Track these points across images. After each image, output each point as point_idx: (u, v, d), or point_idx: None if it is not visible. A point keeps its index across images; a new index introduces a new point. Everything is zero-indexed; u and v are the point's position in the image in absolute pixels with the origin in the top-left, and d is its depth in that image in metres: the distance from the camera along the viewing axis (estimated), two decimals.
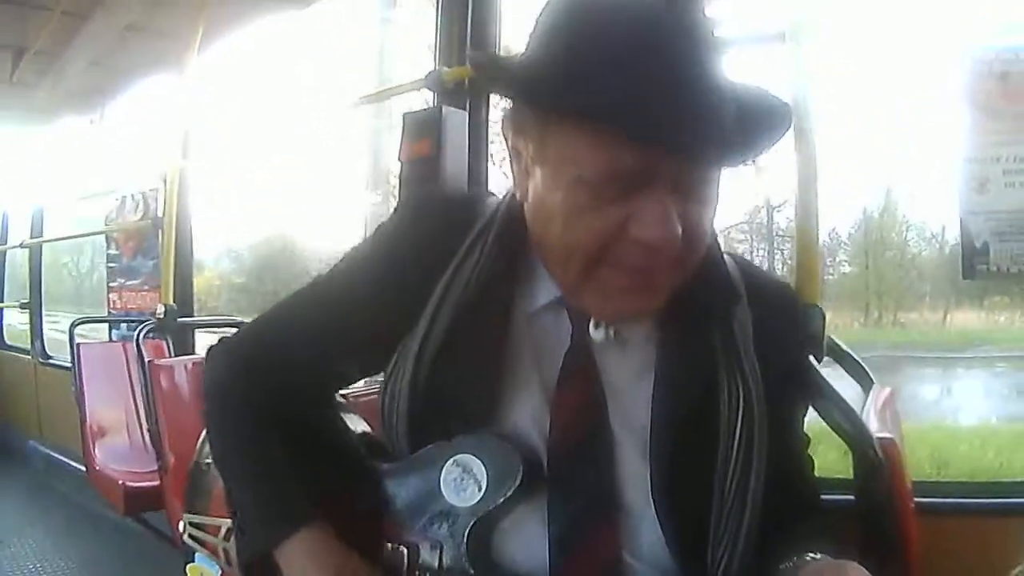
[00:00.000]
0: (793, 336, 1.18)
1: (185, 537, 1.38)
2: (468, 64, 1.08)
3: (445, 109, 2.68)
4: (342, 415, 1.25)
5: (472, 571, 0.99)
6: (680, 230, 0.91)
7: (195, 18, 3.48)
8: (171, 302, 3.50)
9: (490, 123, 2.92)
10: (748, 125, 0.92)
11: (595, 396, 1.04)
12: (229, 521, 1.22)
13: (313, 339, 1.12)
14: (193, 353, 3.71)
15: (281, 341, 1.15)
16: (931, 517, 1.47)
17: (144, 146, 5.45)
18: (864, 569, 0.88)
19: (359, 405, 1.39)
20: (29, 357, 5.63)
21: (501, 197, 1.11)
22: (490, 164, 2.98)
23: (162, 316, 3.39)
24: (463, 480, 1.00)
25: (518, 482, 0.98)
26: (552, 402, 1.03)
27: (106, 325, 4.86)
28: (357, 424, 1.25)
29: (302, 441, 1.13)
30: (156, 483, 3.14)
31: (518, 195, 1.03)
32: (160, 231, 4.11)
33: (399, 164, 2.81)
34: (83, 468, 3.59)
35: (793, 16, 1.69)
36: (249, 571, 1.13)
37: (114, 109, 5.41)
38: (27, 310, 5.82)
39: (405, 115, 2.80)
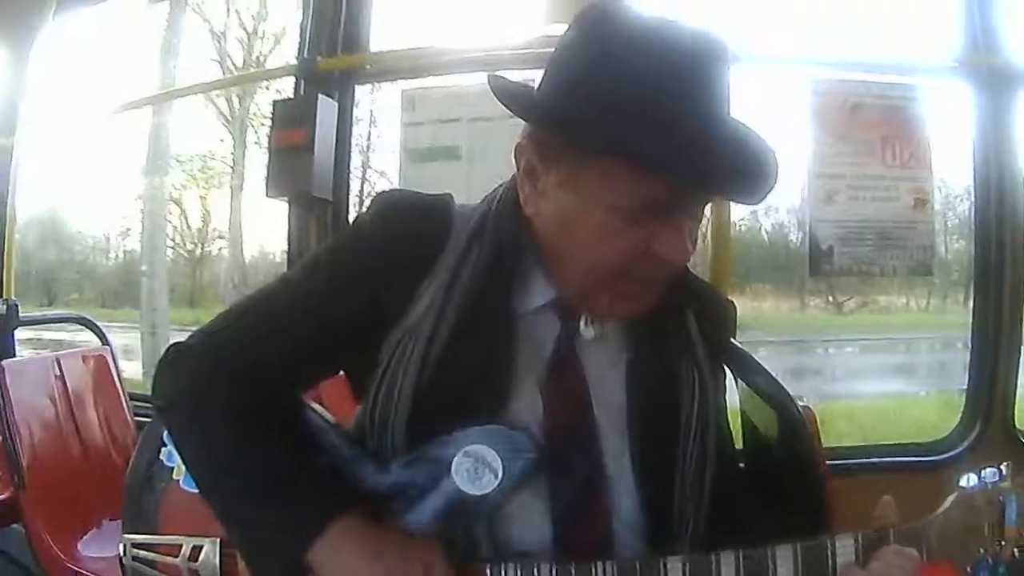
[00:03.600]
0: (723, 325, 1.34)
1: (127, 561, 1.26)
2: (491, 90, 1.13)
3: (320, 99, 2.67)
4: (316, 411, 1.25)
5: (489, 554, 1.08)
6: (692, 248, 1.07)
7: None
8: (12, 296, 3.26)
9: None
10: (753, 165, 1.07)
11: (581, 386, 1.17)
12: (193, 539, 1.20)
13: (289, 336, 1.15)
14: (13, 355, 3.32)
15: (255, 337, 1.16)
16: None
17: None
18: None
19: None
20: None
21: (482, 205, 1.20)
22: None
23: (2, 313, 3.12)
24: (477, 470, 1.08)
25: (531, 468, 1.08)
26: (544, 394, 1.14)
27: None
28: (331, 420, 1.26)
29: (289, 439, 1.13)
30: (4, 496, 2.84)
31: (528, 211, 1.13)
32: None
33: (268, 153, 2.78)
34: None
35: None
36: None
37: None
38: None
39: (276, 102, 2.77)
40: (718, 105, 1.03)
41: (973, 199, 2.66)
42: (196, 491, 1.15)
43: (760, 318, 16.26)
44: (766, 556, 1.06)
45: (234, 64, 14.22)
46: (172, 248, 16.77)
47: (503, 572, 1.06)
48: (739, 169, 1.03)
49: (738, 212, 17.28)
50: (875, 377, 12.47)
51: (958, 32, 2.61)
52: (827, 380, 12.50)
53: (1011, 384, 2.73)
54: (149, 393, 1.22)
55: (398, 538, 1.07)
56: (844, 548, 1.07)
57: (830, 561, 1.07)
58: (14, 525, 2.90)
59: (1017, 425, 2.77)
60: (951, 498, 1.10)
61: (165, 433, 1.24)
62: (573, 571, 1.06)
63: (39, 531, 2.58)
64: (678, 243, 1.05)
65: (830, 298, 17.33)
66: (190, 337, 1.20)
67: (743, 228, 17.53)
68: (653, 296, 1.13)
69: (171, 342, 1.21)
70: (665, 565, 1.06)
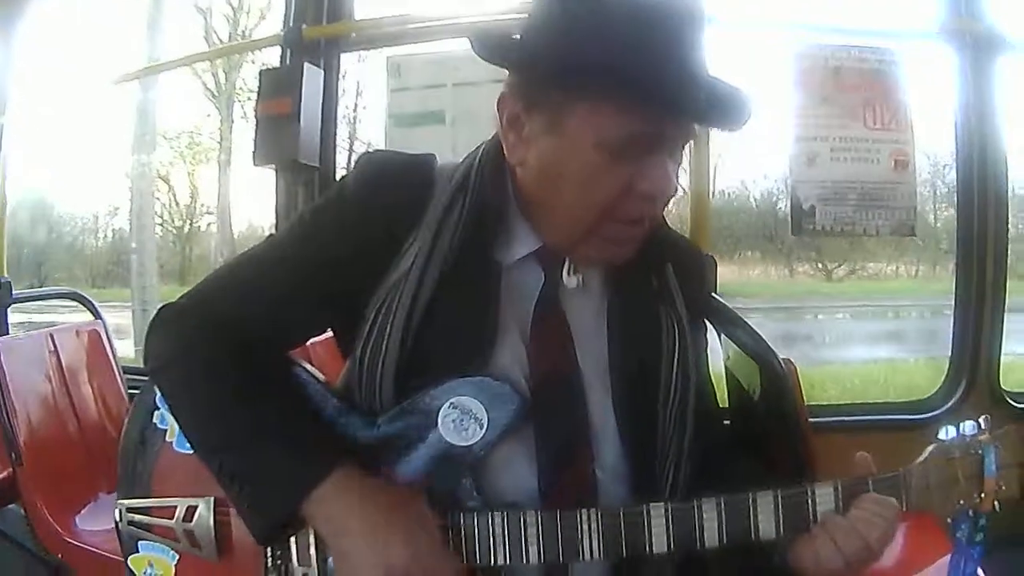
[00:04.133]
0: (702, 279, 1.39)
1: (123, 526, 1.26)
2: (473, 45, 1.15)
3: (306, 67, 2.69)
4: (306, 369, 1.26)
5: (477, 503, 1.11)
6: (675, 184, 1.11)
7: None
8: (5, 274, 3.28)
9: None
10: (729, 96, 1.12)
11: (565, 335, 1.19)
12: (187, 500, 1.21)
13: (278, 293, 1.17)
14: (7, 332, 3.40)
15: (245, 296, 1.18)
16: None
17: None
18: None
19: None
20: None
21: (465, 161, 1.22)
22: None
23: None
24: (463, 420, 1.11)
25: (516, 417, 1.11)
26: (530, 344, 1.17)
27: None
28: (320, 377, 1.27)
29: (281, 394, 1.16)
30: (2, 476, 2.80)
31: (512, 161, 1.16)
32: None
33: (255, 122, 2.80)
34: None
35: None
36: (270, 540, 1.13)
37: None
38: None
39: (262, 72, 2.79)
40: (695, 46, 1.07)
41: (955, 164, 2.72)
42: (189, 452, 1.17)
43: (749, 285, 16.35)
44: (747, 503, 1.09)
45: (220, 39, 14.18)
46: (161, 225, 16.75)
47: (490, 521, 1.09)
48: (716, 99, 1.08)
49: (726, 181, 17.48)
50: (865, 343, 12.55)
51: None
52: (817, 346, 12.56)
53: (995, 346, 2.79)
54: (143, 366, 1.23)
55: (389, 487, 1.10)
56: (824, 496, 1.10)
57: (810, 508, 1.10)
58: (11, 506, 2.90)
59: (1003, 386, 2.84)
60: (929, 449, 1.14)
61: (157, 397, 1.24)
62: (559, 518, 1.09)
63: (37, 507, 2.57)
64: (662, 177, 1.09)
65: (819, 265, 17.42)
66: (179, 299, 1.22)
67: (732, 196, 17.60)
68: (636, 240, 1.16)
69: (160, 305, 1.23)
70: (648, 512, 1.09)
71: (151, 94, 10.14)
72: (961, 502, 1.13)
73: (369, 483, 1.08)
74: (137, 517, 1.24)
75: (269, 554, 1.16)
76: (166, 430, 1.25)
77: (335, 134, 2.96)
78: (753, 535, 1.09)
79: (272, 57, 3.11)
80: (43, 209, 16.92)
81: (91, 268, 18.20)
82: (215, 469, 1.11)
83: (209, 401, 1.13)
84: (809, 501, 1.10)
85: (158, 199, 16.14)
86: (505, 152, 1.16)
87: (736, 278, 16.94)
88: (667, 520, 1.08)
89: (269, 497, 1.07)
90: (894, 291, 15.90)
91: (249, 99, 14.35)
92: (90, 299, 3.38)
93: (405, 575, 1.02)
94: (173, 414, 1.19)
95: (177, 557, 1.24)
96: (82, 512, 2.61)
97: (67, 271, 17.64)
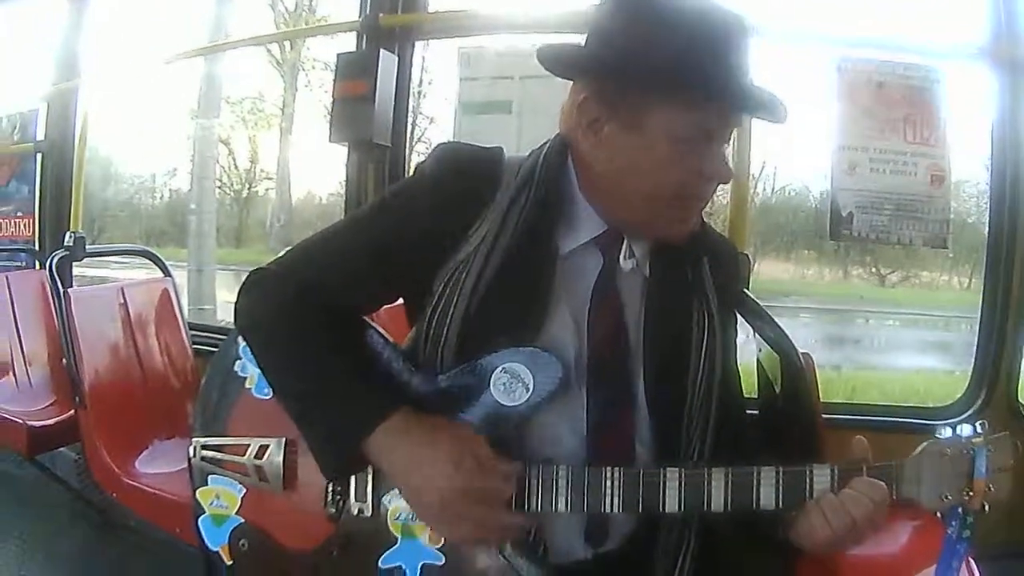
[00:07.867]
0: (735, 274, 1.52)
1: (195, 461, 1.38)
2: (541, 60, 1.32)
3: (382, 53, 2.86)
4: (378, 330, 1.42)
5: (518, 456, 1.26)
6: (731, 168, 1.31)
7: None
8: (78, 229, 3.45)
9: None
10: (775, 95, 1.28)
11: (619, 314, 1.35)
12: (260, 440, 1.34)
13: (358, 264, 1.33)
14: (71, 285, 3.45)
15: (329, 265, 1.34)
16: None
17: (23, 65, 4.86)
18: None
19: None
20: None
21: (530, 157, 1.36)
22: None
23: (71, 244, 3.24)
24: (512, 384, 1.26)
25: (559, 385, 1.26)
26: (591, 319, 1.32)
27: None
28: (389, 338, 1.42)
29: (355, 351, 1.33)
30: (60, 419, 3.06)
31: (590, 159, 1.31)
32: (40, 155, 3.98)
33: (332, 101, 2.97)
34: None
35: None
36: (337, 475, 1.29)
37: None
38: None
39: (339, 55, 2.95)
40: (744, 51, 1.24)
41: (989, 182, 2.81)
42: (266, 398, 1.34)
43: (803, 284, 16.19)
44: (751, 475, 1.23)
45: (286, 8, 14.29)
46: (219, 188, 16.93)
47: (527, 471, 1.25)
48: (768, 95, 1.25)
49: (787, 179, 17.32)
50: (911, 351, 12.38)
51: (982, 20, 2.73)
52: (864, 350, 12.42)
53: (1016, 361, 2.86)
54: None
55: (448, 425, 1.24)
56: (821, 475, 1.22)
57: (808, 485, 1.22)
58: (61, 449, 3.17)
59: (1020, 399, 2.91)
60: (923, 444, 1.24)
61: (239, 349, 1.40)
62: (586, 474, 1.24)
63: (96, 447, 2.74)
64: (722, 162, 1.27)
65: (873, 269, 17.21)
66: (269, 265, 1.39)
67: (792, 194, 17.43)
68: (696, 217, 1.34)
69: (256, 267, 1.39)
70: (664, 475, 1.23)
71: (217, 63, 10.29)
72: (948, 497, 1.22)
73: (427, 421, 1.22)
74: (210, 454, 1.37)
75: (330, 490, 1.32)
76: (246, 378, 1.39)
77: (406, 116, 3.12)
78: (755, 504, 1.22)
79: (345, 38, 3.29)
80: (100, 167, 17.18)
81: (146, 227, 18.48)
82: (294, 413, 1.28)
83: (292, 357, 1.30)
84: (807, 479, 1.22)
85: (218, 163, 16.37)
86: (583, 150, 1.31)
87: (791, 276, 16.81)
88: (680, 483, 1.22)
89: (338, 435, 1.23)
90: (946, 302, 15.68)
91: (313, 68, 14.50)
92: (160, 257, 3.55)
93: (462, 498, 1.18)
94: (259, 364, 1.35)
95: (244, 491, 1.36)
96: (139, 456, 2.80)
97: (122, 229, 17.96)
